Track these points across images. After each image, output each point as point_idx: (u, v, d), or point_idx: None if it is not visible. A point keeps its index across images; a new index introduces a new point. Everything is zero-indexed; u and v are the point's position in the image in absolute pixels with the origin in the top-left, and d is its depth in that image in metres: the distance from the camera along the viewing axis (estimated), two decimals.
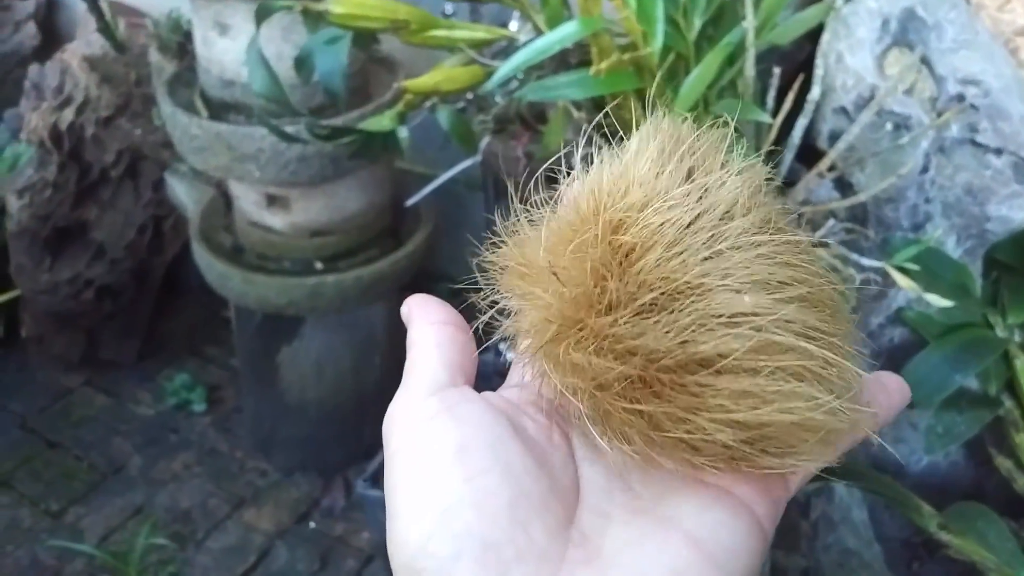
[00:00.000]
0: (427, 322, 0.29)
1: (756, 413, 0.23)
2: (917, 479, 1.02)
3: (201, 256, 1.28)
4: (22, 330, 1.61)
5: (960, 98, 0.84)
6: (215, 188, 1.36)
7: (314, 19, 0.93)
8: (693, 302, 0.24)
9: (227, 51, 1.15)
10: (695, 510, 0.25)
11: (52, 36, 1.80)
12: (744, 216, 0.26)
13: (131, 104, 1.47)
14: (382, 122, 0.93)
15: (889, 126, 0.83)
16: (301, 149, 1.13)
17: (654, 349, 0.24)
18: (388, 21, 0.82)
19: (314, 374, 1.36)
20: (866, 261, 0.76)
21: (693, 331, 0.24)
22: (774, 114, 0.74)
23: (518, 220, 0.28)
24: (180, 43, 1.29)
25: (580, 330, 0.25)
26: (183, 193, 1.40)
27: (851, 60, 0.88)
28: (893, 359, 0.95)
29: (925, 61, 0.86)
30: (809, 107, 0.73)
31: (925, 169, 0.88)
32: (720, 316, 0.24)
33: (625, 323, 0.24)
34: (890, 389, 0.31)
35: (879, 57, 0.87)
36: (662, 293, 0.24)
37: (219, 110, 1.19)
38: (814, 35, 0.85)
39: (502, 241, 0.28)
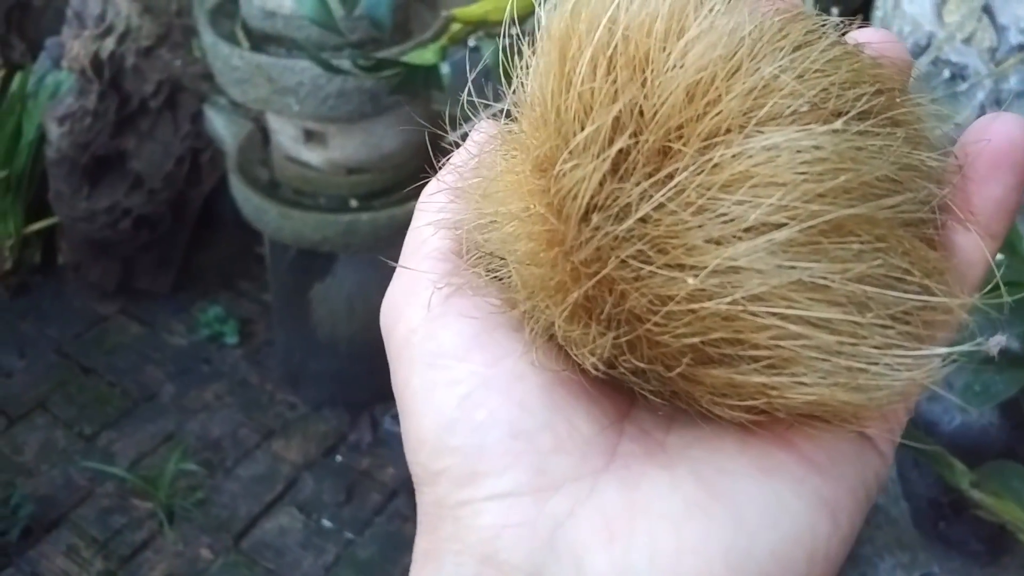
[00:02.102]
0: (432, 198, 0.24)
1: (748, 402, 0.19)
2: (949, 439, 1.01)
3: (238, 189, 1.28)
4: (59, 257, 1.64)
5: (1021, 48, 0.81)
6: (253, 122, 1.36)
7: None
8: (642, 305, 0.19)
9: None
10: None
11: None
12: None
13: (171, 35, 1.46)
14: (425, 55, 0.92)
15: (946, 73, 0.81)
16: (340, 84, 1.12)
17: (613, 351, 0.19)
18: None
19: (345, 311, 1.37)
20: None
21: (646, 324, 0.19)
22: None
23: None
24: None
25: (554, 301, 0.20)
26: (221, 126, 1.40)
27: (909, 6, 0.85)
28: None
29: (987, 9, 0.83)
30: None
31: None
32: (672, 299, 0.18)
33: (579, 323, 0.20)
34: (980, 167, 0.21)
35: (938, 4, 0.84)
36: (599, 285, 0.19)
37: (260, 42, 1.18)
38: None
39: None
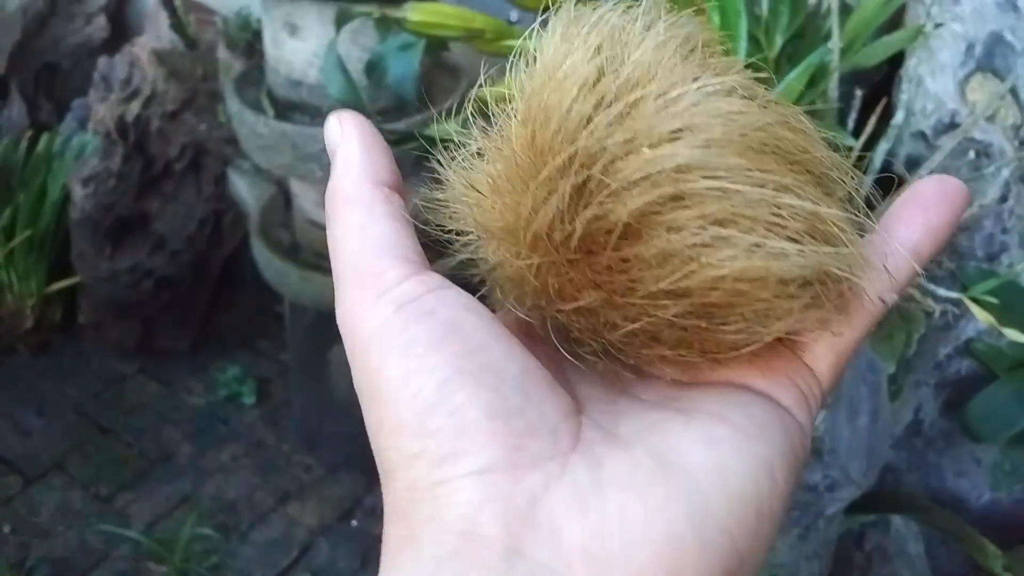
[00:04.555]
0: (372, 182, 0.24)
1: (678, 274, 0.21)
2: (978, 514, 0.99)
3: (260, 252, 1.29)
4: (80, 316, 1.64)
5: None
6: (276, 186, 1.38)
7: (387, 25, 0.93)
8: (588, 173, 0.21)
9: (296, 52, 1.16)
10: (713, 397, 0.23)
11: (121, 29, 1.84)
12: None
13: (197, 99, 1.49)
14: (448, 130, 0.93)
15: (971, 154, 0.81)
16: None
17: (554, 229, 0.22)
18: (464, 30, 0.82)
19: None
20: (942, 292, 0.74)
21: (594, 198, 0.21)
22: (855, 136, 0.73)
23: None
24: (249, 42, 1.31)
25: (512, 237, 0.23)
26: (244, 189, 1.41)
27: (932, 84, 0.86)
28: (960, 391, 0.93)
29: (1010, 87, 0.84)
30: (892, 132, 0.72)
31: (1004, 198, 0.85)
32: (626, 173, 0.21)
33: (533, 210, 0.22)
34: (928, 202, 0.25)
35: (961, 82, 0.85)
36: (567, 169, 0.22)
37: (285, 109, 1.20)
38: (891, 56, 0.83)
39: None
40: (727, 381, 0.23)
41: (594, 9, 0.23)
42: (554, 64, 0.23)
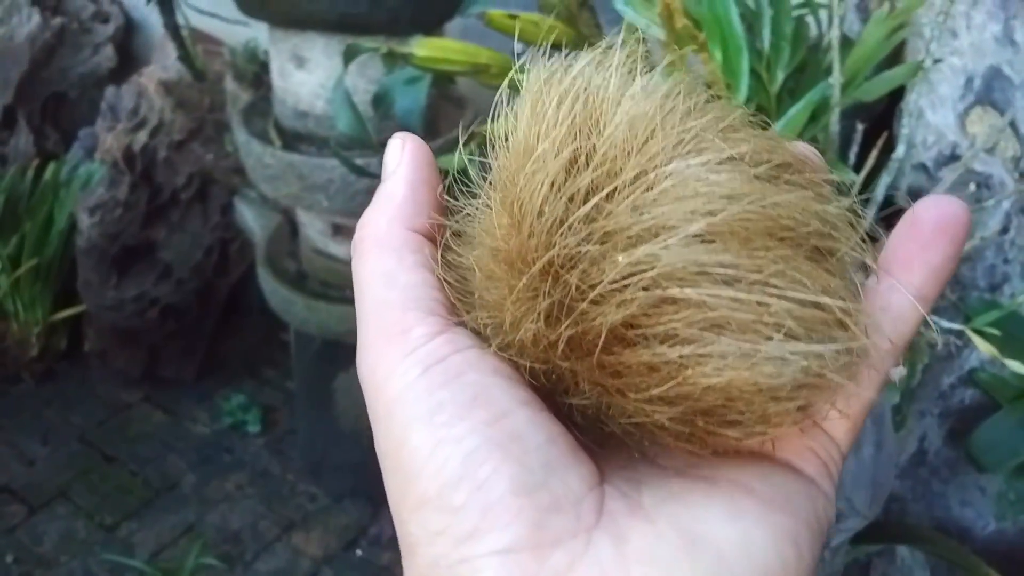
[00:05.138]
0: (408, 227, 0.24)
1: (668, 384, 0.20)
2: (983, 544, 0.99)
3: (266, 281, 1.30)
4: (85, 344, 1.65)
5: None
6: (282, 215, 1.39)
7: (393, 59, 0.95)
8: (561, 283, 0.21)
9: (303, 83, 1.17)
10: (735, 465, 0.22)
11: (128, 59, 1.86)
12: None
13: (204, 129, 1.50)
14: (452, 161, 0.94)
15: (972, 186, 0.82)
16: (369, 181, 1.14)
17: (540, 339, 0.21)
18: (469, 65, 0.84)
19: None
20: (945, 323, 0.75)
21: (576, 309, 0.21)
22: (856, 170, 0.74)
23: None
24: (256, 73, 1.32)
25: (500, 335, 0.23)
26: (251, 218, 1.42)
27: (932, 117, 0.87)
28: (964, 420, 0.93)
29: (1010, 121, 0.85)
30: (893, 165, 0.73)
31: (1005, 230, 0.86)
32: (605, 283, 0.20)
33: (514, 310, 0.22)
34: (926, 238, 0.23)
35: (961, 115, 0.86)
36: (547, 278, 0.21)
37: (292, 140, 1.22)
38: (892, 89, 0.84)
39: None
40: (746, 450, 0.23)
41: (567, 69, 0.23)
42: (526, 148, 0.22)
